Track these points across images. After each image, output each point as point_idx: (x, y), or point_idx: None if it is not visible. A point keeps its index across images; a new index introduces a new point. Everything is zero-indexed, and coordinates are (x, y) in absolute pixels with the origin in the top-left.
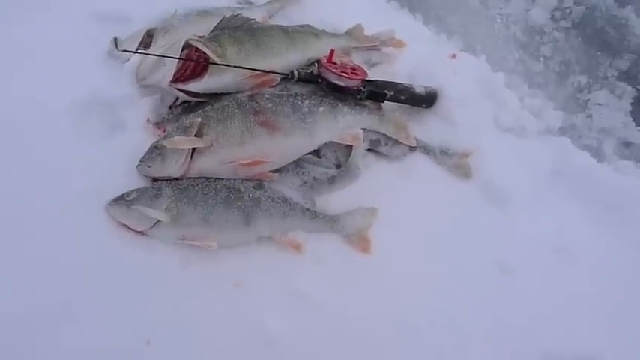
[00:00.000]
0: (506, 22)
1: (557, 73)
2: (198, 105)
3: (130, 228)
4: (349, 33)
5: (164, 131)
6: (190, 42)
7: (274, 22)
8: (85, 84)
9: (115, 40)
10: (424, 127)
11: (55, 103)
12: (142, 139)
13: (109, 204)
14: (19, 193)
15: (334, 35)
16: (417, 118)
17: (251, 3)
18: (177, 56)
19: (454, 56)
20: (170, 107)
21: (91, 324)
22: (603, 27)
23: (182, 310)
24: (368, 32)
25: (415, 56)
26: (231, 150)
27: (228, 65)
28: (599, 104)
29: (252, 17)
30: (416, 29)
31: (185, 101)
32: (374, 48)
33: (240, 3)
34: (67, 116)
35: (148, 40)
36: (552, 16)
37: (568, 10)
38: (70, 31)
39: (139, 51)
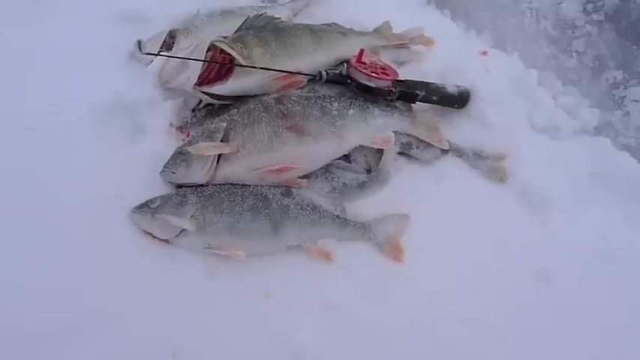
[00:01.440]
0: (536, 17)
1: (591, 69)
2: (223, 108)
3: (154, 236)
4: (377, 31)
5: (187, 135)
6: (215, 43)
7: (299, 20)
8: (107, 87)
9: (139, 42)
10: (456, 129)
11: (76, 107)
12: (165, 143)
13: (133, 211)
14: (41, 200)
15: (362, 34)
16: (449, 119)
17: (275, 1)
18: (202, 58)
19: (485, 53)
20: (193, 110)
21: (115, 335)
22: (638, 19)
23: (209, 321)
24: (396, 30)
25: (445, 54)
26: (258, 156)
27: (254, 67)
28: (637, 101)
29: (277, 16)
30: (444, 26)
31: (209, 104)
32: (402, 46)
33: (263, 1)
34: (89, 120)
35: (170, 41)
36: (584, 9)
37: (601, 3)
38: (90, 32)
39: (163, 54)
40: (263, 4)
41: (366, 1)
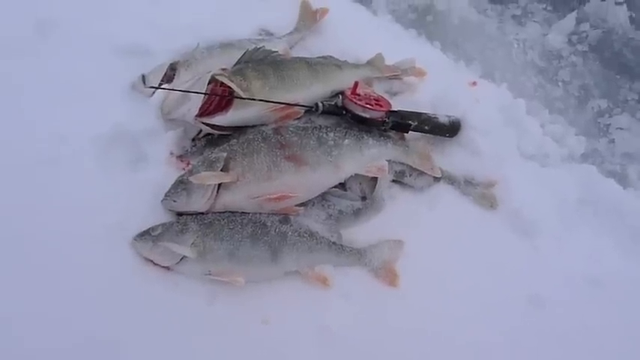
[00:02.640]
0: (523, 47)
1: (577, 98)
2: (222, 138)
3: (155, 263)
4: (370, 63)
5: (188, 164)
6: (216, 76)
7: (295, 52)
8: (109, 118)
9: (143, 76)
10: (448, 157)
11: (79, 138)
12: (166, 172)
13: (135, 239)
14: (43, 229)
15: (356, 66)
16: (441, 147)
17: (272, 34)
18: (203, 91)
19: (474, 84)
20: (193, 140)
21: None
22: (621, 50)
23: (208, 347)
24: (388, 61)
25: (436, 84)
26: (258, 185)
27: (254, 99)
28: (621, 128)
29: (274, 49)
30: (435, 57)
31: (208, 134)
32: (395, 77)
33: (260, 35)
34: (92, 150)
35: (171, 73)
36: (569, 40)
37: (585, 34)
38: (93, 65)
39: (166, 87)
40: (260, 37)
41: (359, 33)
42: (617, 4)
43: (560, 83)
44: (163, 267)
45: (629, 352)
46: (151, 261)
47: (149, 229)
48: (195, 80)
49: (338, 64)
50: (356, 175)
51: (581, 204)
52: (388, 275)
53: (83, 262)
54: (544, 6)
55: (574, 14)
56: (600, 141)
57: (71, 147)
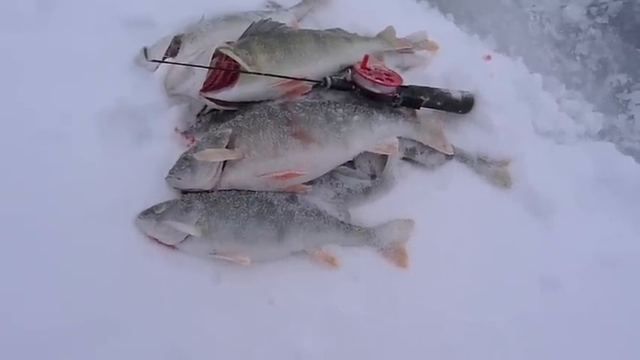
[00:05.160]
0: (540, 20)
1: (595, 73)
2: (227, 113)
3: (159, 242)
4: (381, 36)
5: (192, 140)
6: (221, 50)
7: (303, 25)
8: (112, 93)
9: (145, 50)
10: (460, 134)
11: (81, 113)
12: (170, 148)
13: (139, 217)
14: (46, 206)
15: (366, 39)
16: (453, 124)
17: (279, 6)
18: (208, 64)
19: (489, 57)
20: (198, 115)
21: (121, 341)
22: None
23: (213, 327)
24: (399, 34)
25: (449, 58)
26: (264, 162)
27: (259, 73)
28: None
29: (281, 22)
30: (448, 30)
31: (213, 109)
32: (406, 51)
33: (267, 7)
34: (94, 126)
35: (175, 46)
36: (588, 12)
37: (604, 6)
38: (94, 37)
39: (168, 60)
40: (267, 10)
41: (369, 5)
42: None
43: (577, 57)
44: (168, 246)
45: None
46: (155, 239)
47: (153, 207)
48: (199, 54)
49: (347, 38)
50: (365, 152)
51: (597, 182)
52: (397, 255)
53: (86, 240)
54: None
55: None
56: (619, 117)
57: (73, 123)
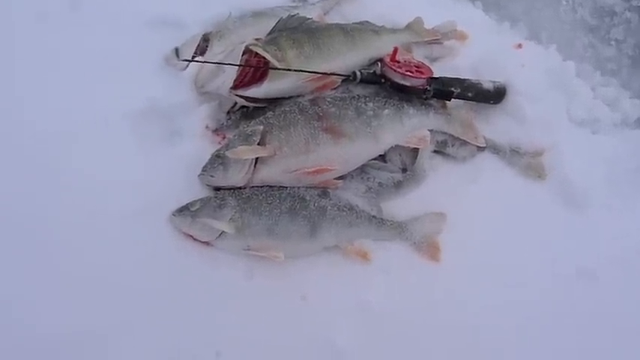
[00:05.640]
0: (572, 5)
1: (631, 58)
2: (257, 110)
3: (194, 238)
4: (409, 27)
5: (223, 137)
6: (250, 47)
7: (330, 19)
8: (142, 92)
9: (177, 49)
10: (492, 125)
11: (112, 113)
12: (202, 146)
13: (174, 214)
14: (82, 205)
15: (394, 31)
16: (484, 115)
17: (305, 0)
18: (238, 62)
19: (520, 46)
20: (228, 113)
21: (157, 338)
22: None
23: (247, 322)
24: (427, 25)
25: (479, 48)
26: (295, 158)
27: (289, 69)
28: None
29: (308, 16)
30: (476, 18)
31: (243, 106)
32: (435, 42)
33: (294, 1)
34: (126, 126)
35: (204, 45)
36: None
37: None
38: (123, 37)
39: (199, 59)
40: (294, 4)
41: None
42: None
43: (612, 42)
44: (202, 242)
45: None
46: (190, 236)
47: (188, 204)
48: (228, 52)
49: (375, 30)
50: (396, 146)
51: (635, 173)
52: (430, 249)
53: (121, 239)
54: None
55: None
56: None
57: (105, 122)
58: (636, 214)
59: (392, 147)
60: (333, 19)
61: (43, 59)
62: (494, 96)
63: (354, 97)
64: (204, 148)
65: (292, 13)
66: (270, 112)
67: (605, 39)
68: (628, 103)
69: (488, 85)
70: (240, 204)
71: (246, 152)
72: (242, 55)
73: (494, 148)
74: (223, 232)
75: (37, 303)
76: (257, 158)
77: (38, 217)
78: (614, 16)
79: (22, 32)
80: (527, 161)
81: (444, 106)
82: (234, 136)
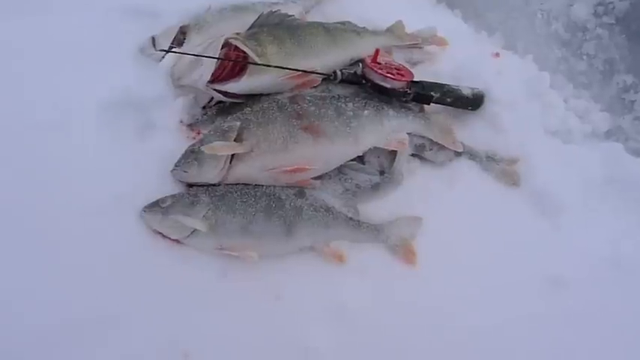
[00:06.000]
0: (547, 18)
1: (602, 72)
2: (234, 106)
3: (165, 236)
4: (390, 30)
5: (198, 133)
6: (230, 40)
7: (310, 18)
8: (115, 83)
9: (153, 39)
10: (469, 131)
11: (84, 103)
12: (176, 140)
13: (144, 210)
14: (48, 199)
15: (376, 33)
16: (462, 120)
17: None
18: (216, 55)
19: (497, 55)
20: (204, 108)
21: (126, 336)
22: None
23: (219, 323)
24: (408, 30)
25: (458, 55)
26: (273, 156)
27: (269, 65)
28: None
29: (290, 13)
30: (456, 26)
31: (220, 101)
32: (415, 46)
33: None
34: (97, 116)
35: (181, 36)
36: (595, 11)
37: (611, 6)
38: (97, 26)
39: (177, 50)
40: (275, 1)
41: None
42: None
43: (584, 56)
44: (173, 240)
45: None
46: (161, 233)
47: (158, 200)
48: (207, 44)
49: (357, 31)
50: (374, 148)
51: (605, 183)
52: (405, 252)
53: (89, 234)
54: None
55: None
56: (625, 118)
57: (75, 113)
58: (606, 223)
59: (370, 149)
60: (314, 17)
61: (11, 47)
62: (473, 102)
63: (333, 96)
64: (178, 142)
65: (273, 10)
66: (248, 109)
67: (577, 53)
68: (598, 115)
69: (467, 92)
70: (214, 201)
71: (223, 148)
72: (221, 49)
73: (471, 154)
74: (195, 230)
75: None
76: (233, 155)
77: (5, 209)
78: (586, 31)
79: None
80: (502, 168)
81: (422, 110)
82: (210, 131)
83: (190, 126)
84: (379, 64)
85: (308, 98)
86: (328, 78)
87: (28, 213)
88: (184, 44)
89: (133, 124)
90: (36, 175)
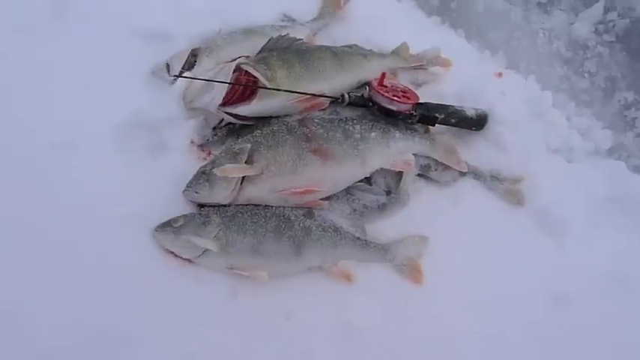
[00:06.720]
0: (549, 37)
1: (603, 90)
2: (244, 127)
3: (176, 255)
4: (396, 52)
5: (209, 153)
6: (241, 65)
7: (318, 40)
8: (128, 104)
9: (168, 65)
10: (474, 151)
11: (97, 124)
12: (186, 161)
13: (156, 230)
14: (61, 218)
15: (382, 55)
16: (467, 141)
17: (294, 20)
18: (228, 80)
19: (500, 75)
20: (214, 129)
21: (134, 356)
22: None
23: (230, 342)
24: (412, 50)
25: (461, 75)
26: (282, 178)
27: (279, 89)
28: None
29: (298, 37)
30: (459, 46)
31: (229, 123)
32: (420, 67)
33: (283, 20)
34: (110, 137)
35: (192, 59)
36: (596, 29)
37: (612, 24)
38: (110, 49)
39: (188, 75)
40: (283, 24)
41: (382, 21)
42: None
43: (586, 74)
44: (185, 259)
45: None
46: (172, 253)
47: (170, 220)
48: (219, 68)
49: (364, 54)
50: (381, 168)
51: (608, 200)
52: (412, 271)
53: (102, 253)
54: None
55: (601, 3)
56: (627, 135)
57: (89, 134)
58: (609, 241)
59: (377, 170)
60: (322, 40)
61: (26, 71)
62: (477, 123)
63: (341, 119)
64: (189, 163)
65: (282, 34)
66: (258, 131)
67: (579, 71)
68: (600, 133)
69: (470, 112)
70: (225, 222)
71: (234, 171)
72: (232, 73)
73: (475, 174)
74: (207, 249)
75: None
76: (243, 176)
77: (15, 230)
78: (587, 49)
79: (3, 44)
80: (506, 187)
81: (428, 131)
82: (221, 152)
83: (201, 146)
84: (385, 87)
85: (316, 121)
86: (336, 101)
87: (42, 233)
88: (195, 67)
89: (145, 145)
90: (50, 195)
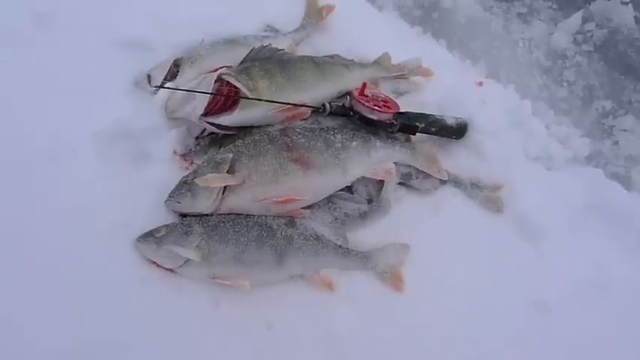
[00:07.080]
0: (528, 47)
1: (582, 99)
2: (226, 137)
3: (159, 265)
4: (377, 62)
5: (191, 163)
6: (223, 76)
7: (300, 50)
8: (110, 114)
9: (149, 76)
10: (454, 160)
11: (79, 134)
12: (169, 170)
13: (138, 240)
14: (42, 228)
15: (363, 65)
16: (447, 149)
17: (277, 31)
18: (210, 90)
19: (481, 84)
20: (197, 138)
21: None
22: (626, 50)
23: (212, 352)
24: (394, 60)
25: (442, 84)
26: (264, 188)
27: (260, 100)
28: (625, 130)
29: (281, 47)
30: (441, 55)
31: (212, 132)
32: (401, 77)
33: (266, 31)
34: (92, 147)
35: (174, 70)
36: (574, 39)
37: (590, 34)
38: (92, 58)
39: (170, 86)
40: (266, 34)
41: (364, 31)
42: (622, 3)
43: (564, 83)
44: (167, 269)
45: (635, 358)
46: (155, 263)
47: (152, 230)
48: (200, 79)
49: (345, 64)
50: (362, 177)
51: (586, 208)
52: (393, 279)
53: (83, 263)
54: (550, 4)
55: (580, 13)
56: (604, 143)
57: (70, 143)
58: (587, 247)
59: (358, 178)
60: (304, 50)
61: (7, 77)
62: (457, 132)
63: (322, 128)
64: (172, 172)
65: (264, 44)
66: (240, 141)
67: (558, 80)
68: (578, 141)
69: (451, 121)
70: (207, 231)
71: (216, 180)
72: (214, 83)
73: (456, 182)
74: (189, 259)
75: None
76: (225, 186)
77: None
78: (566, 59)
79: None
80: (486, 195)
81: (409, 140)
82: (204, 162)
83: (184, 156)
84: (366, 96)
85: (298, 130)
86: (317, 110)
87: (22, 242)
88: (178, 77)
89: (127, 155)
90: (28, 204)
